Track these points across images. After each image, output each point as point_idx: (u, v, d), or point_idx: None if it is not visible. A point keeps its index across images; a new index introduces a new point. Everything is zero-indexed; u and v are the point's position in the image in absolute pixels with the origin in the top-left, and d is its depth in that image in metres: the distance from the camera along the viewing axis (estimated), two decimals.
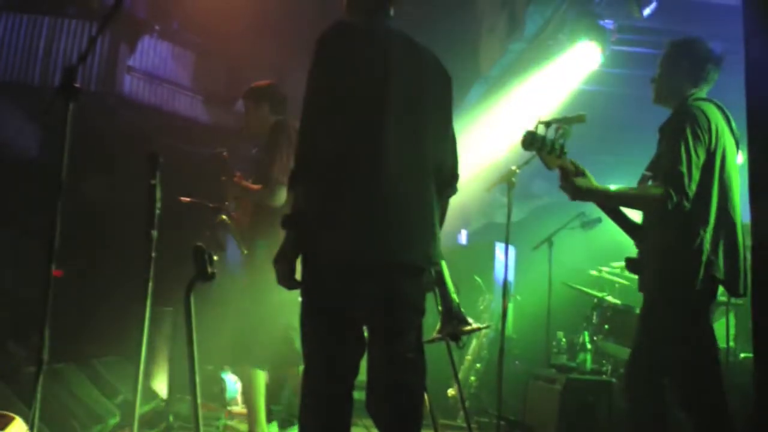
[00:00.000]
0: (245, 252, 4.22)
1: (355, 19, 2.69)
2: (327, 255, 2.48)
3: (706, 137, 3.07)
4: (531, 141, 3.09)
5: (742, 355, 4.52)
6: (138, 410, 2.94)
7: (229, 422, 5.10)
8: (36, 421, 2.54)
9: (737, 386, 3.84)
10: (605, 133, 6.98)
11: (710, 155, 3.08)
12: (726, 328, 3.80)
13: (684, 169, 3.00)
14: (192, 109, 8.57)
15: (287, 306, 3.90)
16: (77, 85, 2.52)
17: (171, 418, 4.24)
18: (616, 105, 6.86)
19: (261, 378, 4.01)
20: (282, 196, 3.90)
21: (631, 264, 3.33)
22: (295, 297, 3.87)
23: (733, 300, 3.45)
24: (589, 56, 5.75)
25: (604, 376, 4.85)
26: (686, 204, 2.99)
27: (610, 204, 3.27)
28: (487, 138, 7.80)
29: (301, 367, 3.86)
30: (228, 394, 5.39)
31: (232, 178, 4.10)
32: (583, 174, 3.12)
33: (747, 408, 3.53)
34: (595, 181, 3.13)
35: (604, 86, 6.80)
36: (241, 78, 8.76)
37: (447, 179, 2.77)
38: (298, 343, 3.89)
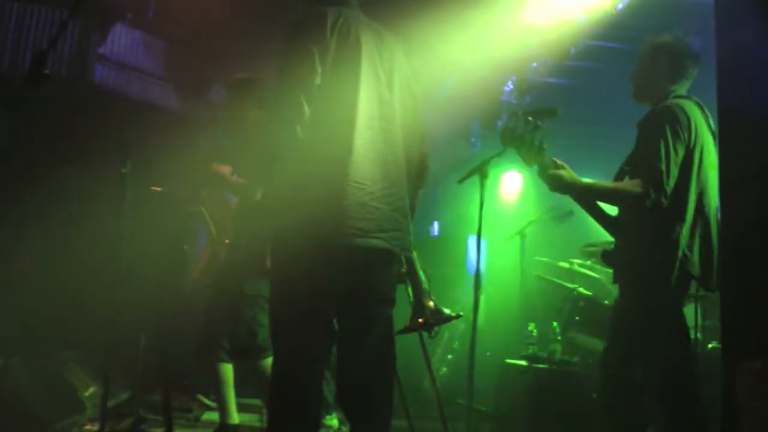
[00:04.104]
0: (215, 241, 4.20)
1: (323, 8, 2.68)
2: (297, 241, 2.47)
3: (685, 134, 3.10)
4: (511, 138, 3.11)
5: (710, 345, 4.59)
6: (107, 402, 2.92)
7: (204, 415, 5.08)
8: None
9: (705, 376, 3.89)
10: (578, 127, 7.02)
11: (689, 152, 3.11)
12: (695, 319, 3.85)
13: (663, 167, 3.03)
14: (163, 98, 8.47)
15: (253, 300, 3.88)
16: (47, 71, 2.49)
17: (141, 411, 4.20)
18: (588, 99, 6.91)
19: (227, 370, 3.99)
20: (260, 192, 3.87)
21: (607, 257, 3.37)
22: (262, 291, 3.88)
23: (701, 292, 3.50)
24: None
25: (574, 367, 4.89)
26: (664, 201, 3.03)
27: (589, 198, 3.29)
28: (460, 130, 7.82)
29: (266, 361, 3.89)
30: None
31: (209, 167, 4.05)
32: (562, 169, 3.14)
33: (714, 397, 3.59)
34: (575, 175, 3.16)
35: (576, 80, 6.84)
36: (213, 67, 8.68)
37: (417, 170, 2.77)
38: (261, 337, 3.90)
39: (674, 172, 3.06)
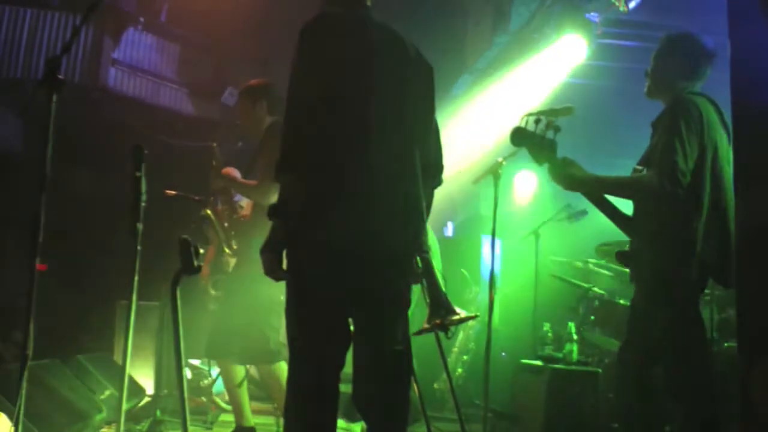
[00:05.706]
0: (227, 251, 4.21)
1: (336, 10, 2.67)
2: (313, 243, 2.46)
3: (698, 127, 3.08)
4: (520, 137, 3.08)
5: (726, 344, 4.56)
6: (124, 405, 2.92)
7: (219, 416, 5.10)
8: (21, 417, 2.52)
9: (721, 375, 3.86)
10: (592, 126, 7.00)
11: (702, 148, 3.09)
12: (710, 317, 3.83)
13: (678, 159, 3.01)
14: (176, 102, 8.52)
15: (268, 304, 3.88)
16: (61, 76, 2.50)
17: (158, 413, 4.22)
18: (601, 98, 6.89)
19: (240, 372, 4.00)
20: (272, 196, 3.87)
21: (623, 256, 3.34)
22: (277, 295, 3.88)
23: (717, 290, 3.48)
24: (575, 49, 5.77)
25: (590, 367, 4.87)
26: (680, 193, 3.00)
27: (603, 192, 3.25)
28: (474, 130, 7.81)
29: (278, 365, 3.90)
30: (215, 388, 5.38)
31: (221, 171, 4.07)
32: (573, 167, 3.13)
33: (730, 395, 3.56)
34: (585, 171, 3.13)
35: (589, 79, 6.81)
36: (226, 71, 8.72)
37: (431, 170, 2.76)
38: (273, 342, 3.91)
39: (690, 164, 3.04)
